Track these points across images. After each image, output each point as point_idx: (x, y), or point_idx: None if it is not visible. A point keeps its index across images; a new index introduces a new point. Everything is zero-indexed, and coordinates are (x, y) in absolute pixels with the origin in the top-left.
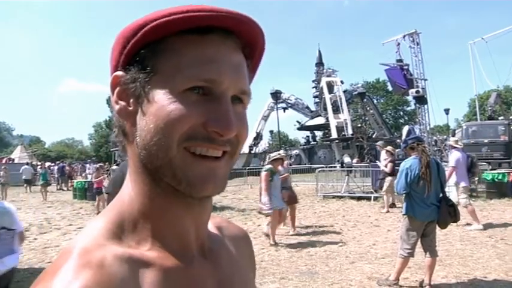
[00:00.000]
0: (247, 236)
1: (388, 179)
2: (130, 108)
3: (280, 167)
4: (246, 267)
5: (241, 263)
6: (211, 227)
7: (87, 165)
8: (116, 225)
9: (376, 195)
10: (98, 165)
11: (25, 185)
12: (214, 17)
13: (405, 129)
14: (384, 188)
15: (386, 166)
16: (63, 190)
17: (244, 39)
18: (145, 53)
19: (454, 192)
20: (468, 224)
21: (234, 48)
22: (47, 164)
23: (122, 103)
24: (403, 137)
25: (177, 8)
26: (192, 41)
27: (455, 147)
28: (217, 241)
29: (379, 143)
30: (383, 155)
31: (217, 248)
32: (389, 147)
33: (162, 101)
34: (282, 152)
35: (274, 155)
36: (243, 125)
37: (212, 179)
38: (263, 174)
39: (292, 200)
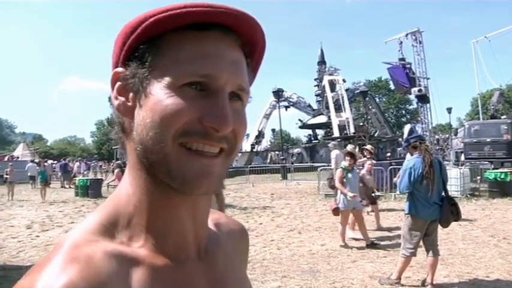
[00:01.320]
0: (244, 230)
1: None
2: (130, 104)
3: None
4: (240, 264)
5: (236, 259)
6: (209, 223)
7: (76, 164)
8: (109, 221)
9: (378, 193)
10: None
11: (30, 182)
12: (211, 13)
13: (407, 128)
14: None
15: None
16: (65, 188)
17: (244, 37)
18: (144, 49)
19: None
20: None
21: (233, 46)
22: (50, 161)
23: (122, 98)
24: (405, 135)
25: (176, 4)
26: (191, 37)
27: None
28: (215, 240)
29: (330, 144)
30: (332, 155)
31: (214, 248)
32: (368, 146)
33: (159, 96)
34: (350, 146)
35: (348, 148)
36: (240, 121)
37: (207, 177)
38: (337, 171)
39: (368, 198)
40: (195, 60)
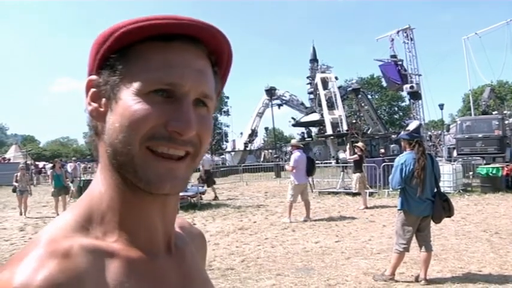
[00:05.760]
0: (203, 237)
1: (355, 175)
2: (102, 109)
3: None
4: (202, 265)
5: (200, 262)
6: (175, 227)
7: (48, 165)
8: (84, 218)
9: (371, 190)
10: None
11: None
12: (174, 24)
13: (415, 123)
14: (353, 186)
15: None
16: None
17: (210, 46)
18: (115, 58)
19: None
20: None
21: (198, 55)
22: (42, 163)
23: (95, 104)
24: (409, 127)
25: (145, 16)
26: (158, 47)
27: (298, 148)
28: (183, 240)
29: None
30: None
31: (183, 246)
32: (360, 144)
33: (128, 102)
34: None
35: None
36: (205, 126)
37: (170, 179)
38: None
39: None
40: (161, 69)
